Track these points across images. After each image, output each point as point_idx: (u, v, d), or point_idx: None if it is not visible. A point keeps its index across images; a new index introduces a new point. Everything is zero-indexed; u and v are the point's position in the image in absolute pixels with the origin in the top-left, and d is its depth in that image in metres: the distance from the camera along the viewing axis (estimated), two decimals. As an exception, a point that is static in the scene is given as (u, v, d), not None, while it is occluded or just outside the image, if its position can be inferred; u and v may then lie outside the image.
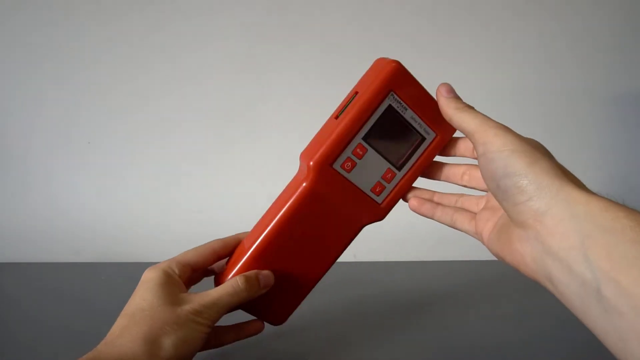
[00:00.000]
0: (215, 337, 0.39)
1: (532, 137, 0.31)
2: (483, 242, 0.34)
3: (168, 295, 0.33)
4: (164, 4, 0.64)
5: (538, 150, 0.28)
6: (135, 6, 0.64)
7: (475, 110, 0.32)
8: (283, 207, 0.35)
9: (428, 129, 0.36)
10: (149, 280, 0.34)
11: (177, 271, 0.35)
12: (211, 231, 0.57)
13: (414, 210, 0.38)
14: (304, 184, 0.35)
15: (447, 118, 0.33)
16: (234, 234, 0.40)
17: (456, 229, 0.37)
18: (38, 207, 0.70)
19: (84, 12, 0.64)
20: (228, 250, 0.38)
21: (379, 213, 0.37)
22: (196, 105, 0.67)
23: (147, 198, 0.70)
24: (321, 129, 0.36)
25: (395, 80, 0.34)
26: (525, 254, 0.28)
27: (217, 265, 0.40)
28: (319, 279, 0.39)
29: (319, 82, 0.66)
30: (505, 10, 0.64)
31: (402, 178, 0.37)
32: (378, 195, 0.36)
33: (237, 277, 0.35)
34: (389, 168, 0.36)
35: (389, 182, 0.36)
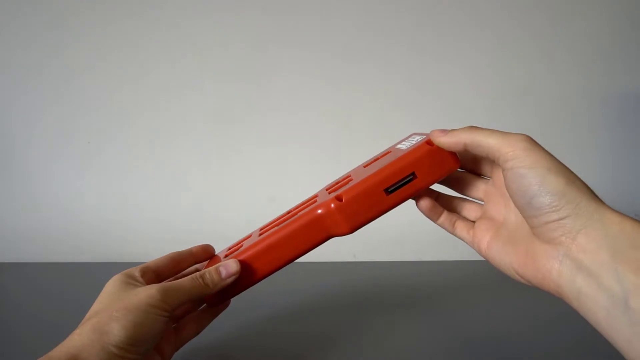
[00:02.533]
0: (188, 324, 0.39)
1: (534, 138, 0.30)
2: (480, 253, 0.35)
3: (123, 290, 0.33)
4: (165, 7, 0.64)
5: (568, 169, 0.29)
6: (138, 9, 0.64)
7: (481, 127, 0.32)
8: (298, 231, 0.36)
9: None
10: (107, 286, 0.34)
11: (138, 273, 0.35)
12: (211, 231, 0.57)
13: (421, 210, 0.37)
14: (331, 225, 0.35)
15: (459, 147, 0.32)
16: (228, 235, 0.41)
17: (455, 235, 0.37)
18: (38, 207, 0.70)
19: (86, 14, 0.64)
20: (182, 257, 0.39)
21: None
22: (197, 105, 0.67)
23: (147, 198, 0.70)
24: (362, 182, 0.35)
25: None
26: (552, 269, 0.28)
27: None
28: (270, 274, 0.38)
29: (320, 86, 0.66)
30: (504, 11, 0.64)
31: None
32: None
33: (202, 271, 0.35)
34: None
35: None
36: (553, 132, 0.67)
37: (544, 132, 0.67)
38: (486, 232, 0.34)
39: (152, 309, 0.31)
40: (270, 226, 0.38)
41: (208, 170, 0.69)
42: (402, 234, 0.65)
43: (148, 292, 0.32)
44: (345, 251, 0.64)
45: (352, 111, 0.66)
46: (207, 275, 0.35)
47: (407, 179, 0.34)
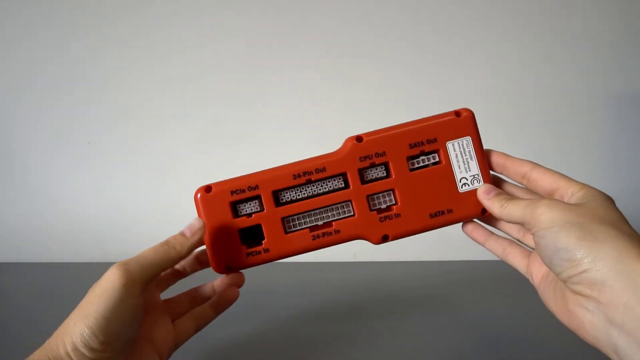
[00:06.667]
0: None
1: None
2: (534, 285, 0.34)
3: (94, 285, 0.31)
4: (161, 4, 0.64)
5: (594, 217, 0.28)
6: (134, 6, 0.64)
7: (518, 198, 0.33)
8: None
9: None
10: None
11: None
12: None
13: (466, 233, 0.38)
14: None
15: (498, 218, 0.34)
16: None
17: (507, 263, 0.37)
18: (38, 207, 0.70)
19: (84, 12, 0.64)
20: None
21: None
22: (197, 106, 0.67)
23: (148, 198, 0.70)
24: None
25: None
26: (585, 320, 0.27)
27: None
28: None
29: (318, 84, 0.66)
30: (504, 11, 0.64)
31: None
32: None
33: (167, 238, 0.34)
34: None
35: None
36: (553, 131, 0.67)
37: (545, 132, 0.67)
38: (541, 266, 0.33)
39: (116, 293, 0.29)
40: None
41: (210, 171, 0.69)
42: (402, 234, 0.65)
43: (108, 277, 0.30)
44: (345, 251, 0.64)
45: (353, 110, 0.66)
46: (172, 239, 0.34)
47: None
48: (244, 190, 0.36)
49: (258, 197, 0.36)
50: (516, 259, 0.36)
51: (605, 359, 0.27)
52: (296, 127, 0.67)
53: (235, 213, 0.36)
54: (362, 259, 0.64)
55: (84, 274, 0.61)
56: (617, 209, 0.30)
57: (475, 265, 0.60)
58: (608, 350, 0.26)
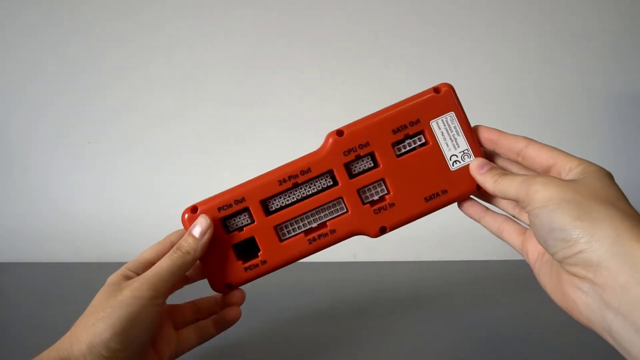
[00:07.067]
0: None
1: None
2: (529, 263, 0.33)
3: (114, 289, 0.32)
4: (162, 3, 0.64)
5: (591, 195, 0.27)
6: (134, 6, 0.64)
7: (513, 173, 0.32)
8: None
9: None
10: (102, 288, 0.33)
11: (132, 269, 0.34)
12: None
13: (462, 210, 0.37)
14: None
15: (492, 194, 0.33)
16: None
17: (502, 239, 0.35)
18: (38, 207, 0.70)
19: (83, 12, 0.64)
20: (166, 247, 0.37)
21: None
22: (197, 105, 0.67)
23: (148, 198, 0.70)
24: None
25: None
26: (579, 302, 0.27)
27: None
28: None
29: (319, 83, 0.66)
30: (504, 10, 0.64)
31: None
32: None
33: (177, 244, 0.34)
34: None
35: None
36: (553, 131, 0.67)
37: (545, 132, 0.67)
38: (536, 245, 0.31)
39: (137, 301, 0.30)
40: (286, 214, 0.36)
41: (210, 171, 0.69)
42: (403, 234, 0.65)
43: (132, 285, 0.31)
44: (345, 251, 0.64)
45: (353, 109, 0.66)
46: (184, 243, 0.33)
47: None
48: (230, 205, 0.35)
49: (247, 210, 0.35)
50: (511, 236, 0.34)
51: (604, 356, 0.27)
52: (297, 126, 0.67)
53: (227, 229, 0.35)
54: (362, 259, 0.64)
55: (84, 274, 0.62)
56: (616, 186, 0.28)
57: (476, 265, 0.60)
58: (602, 331, 0.26)
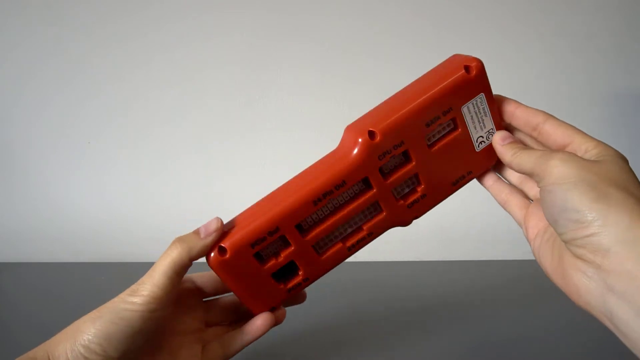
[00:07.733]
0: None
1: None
2: (527, 238, 0.32)
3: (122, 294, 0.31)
4: (162, 1, 0.64)
5: (608, 178, 0.26)
6: (135, 4, 0.64)
7: (532, 148, 0.31)
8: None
9: None
10: None
11: None
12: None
13: (478, 180, 0.36)
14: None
15: (507, 166, 0.33)
16: None
17: (505, 210, 0.35)
18: (38, 207, 0.70)
19: (83, 10, 0.64)
20: None
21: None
22: (198, 105, 0.67)
23: (148, 198, 0.70)
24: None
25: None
26: (580, 285, 0.26)
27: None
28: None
29: (320, 81, 0.66)
30: (505, 9, 0.64)
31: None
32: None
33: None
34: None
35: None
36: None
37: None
38: (538, 222, 0.31)
39: (125, 304, 0.29)
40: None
41: (211, 171, 0.69)
42: (403, 234, 0.65)
43: (128, 290, 0.30)
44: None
45: (354, 108, 0.66)
46: (183, 242, 0.31)
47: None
48: (264, 239, 0.31)
49: (281, 237, 0.32)
50: (514, 209, 0.34)
51: (604, 356, 0.27)
52: (297, 124, 0.67)
53: (261, 259, 0.33)
54: (362, 259, 0.64)
55: (84, 274, 0.62)
56: (631, 171, 0.28)
57: (476, 266, 0.60)
58: (601, 316, 0.26)
